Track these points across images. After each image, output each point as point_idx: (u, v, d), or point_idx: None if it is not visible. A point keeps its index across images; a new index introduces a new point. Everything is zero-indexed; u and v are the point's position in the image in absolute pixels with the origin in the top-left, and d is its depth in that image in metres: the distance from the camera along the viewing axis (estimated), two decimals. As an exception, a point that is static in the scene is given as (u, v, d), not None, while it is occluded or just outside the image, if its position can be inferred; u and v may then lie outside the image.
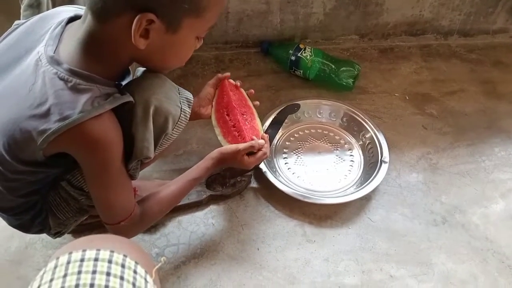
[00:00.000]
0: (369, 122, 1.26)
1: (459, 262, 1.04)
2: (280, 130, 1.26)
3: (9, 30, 0.78)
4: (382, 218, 1.12)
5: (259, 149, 1.00)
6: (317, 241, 1.07)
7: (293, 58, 1.41)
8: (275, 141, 1.25)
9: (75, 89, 0.65)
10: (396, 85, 1.47)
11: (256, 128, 1.05)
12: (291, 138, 1.28)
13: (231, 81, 1.07)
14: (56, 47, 0.68)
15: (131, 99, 0.71)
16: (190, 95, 0.84)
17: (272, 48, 1.50)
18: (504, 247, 1.07)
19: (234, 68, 1.50)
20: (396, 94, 1.43)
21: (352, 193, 1.12)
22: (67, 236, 1.04)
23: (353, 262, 1.04)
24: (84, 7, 0.76)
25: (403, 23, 1.55)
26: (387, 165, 1.16)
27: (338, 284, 1.00)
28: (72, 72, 0.65)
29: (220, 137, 1.04)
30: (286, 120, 1.27)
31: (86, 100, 0.65)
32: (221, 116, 1.04)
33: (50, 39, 0.69)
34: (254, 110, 1.08)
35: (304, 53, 1.40)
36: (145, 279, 0.47)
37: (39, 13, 0.87)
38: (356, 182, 1.18)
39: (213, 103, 1.06)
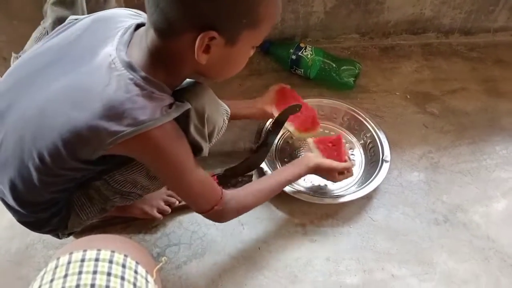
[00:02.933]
0: (370, 121, 1.26)
1: (461, 261, 1.04)
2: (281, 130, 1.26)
3: (65, 24, 0.80)
4: (383, 217, 1.12)
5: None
6: (318, 241, 1.07)
7: (293, 57, 1.41)
8: (276, 140, 1.25)
9: (150, 97, 0.68)
10: (397, 83, 1.46)
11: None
12: (292, 137, 1.28)
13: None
14: (126, 53, 0.70)
15: (190, 106, 0.74)
16: (228, 109, 0.91)
17: (273, 47, 1.49)
18: (506, 246, 1.06)
19: (234, 67, 1.50)
20: (397, 93, 1.43)
21: (353, 192, 1.11)
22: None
23: (355, 261, 1.03)
24: (139, 12, 0.82)
25: (404, 21, 1.55)
26: (388, 164, 1.15)
27: (339, 283, 1.00)
28: (147, 80, 0.68)
29: (311, 145, 1.12)
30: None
31: (157, 108, 0.68)
32: (296, 118, 1.13)
33: (120, 44, 0.71)
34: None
35: (305, 52, 1.40)
36: (146, 279, 0.47)
37: (72, 10, 0.91)
38: (357, 181, 1.17)
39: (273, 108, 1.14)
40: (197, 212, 0.86)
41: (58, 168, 0.72)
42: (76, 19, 0.80)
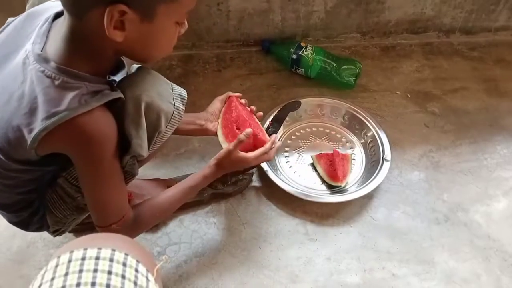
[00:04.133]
0: (370, 121, 1.26)
1: (462, 260, 1.04)
2: (281, 128, 1.26)
3: (2, 28, 0.78)
4: (384, 217, 1.12)
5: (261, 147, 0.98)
6: (319, 240, 1.07)
7: (294, 56, 1.40)
8: (276, 139, 1.25)
9: (62, 87, 0.64)
10: (398, 83, 1.46)
11: (266, 140, 1.02)
12: (293, 137, 1.28)
13: (239, 99, 1.06)
14: (44, 45, 0.68)
15: (120, 95, 0.70)
16: (183, 92, 0.82)
17: (274, 47, 1.49)
18: (507, 245, 1.06)
19: (235, 66, 1.50)
20: (397, 92, 1.43)
21: (354, 192, 1.11)
22: (68, 235, 1.04)
23: (355, 260, 1.03)
24: None
25: (404, 21, 1.55)
26: (389, 163, 1.15)
27: (340, 282, 1.00)
28: (59, 70, 0.65)
29: (219, 135, 1.03)
30: (287, 118, 1.27)
31: (73, 97, 0.64)
32: (230, 131, 1.01)
33: (37, 36, 0.69)
34: (260, 125, 1.08)
35: (306, 51, 1.39)
36: (147, 278, 0.47)
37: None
38: (358, 181, 1.17)
39: (220, 120, 1.04)
40: (94, 223, 0.80)
41: (6, 171, 0.72)
42: (12, 21, 0.78)
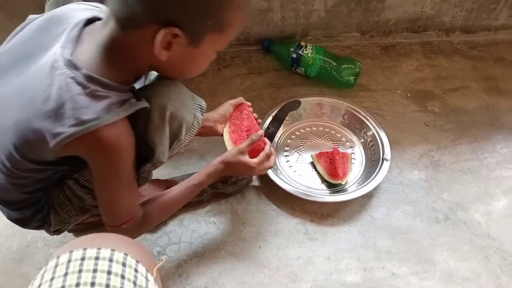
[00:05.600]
0: (370, 120, 1.26)
1: (461, 259, 1.04)
2: (281, 128, 1.26)
3: (23, 24, 0.78)
4: (384, 216, 1.12)
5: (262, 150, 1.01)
6: (319, 239, 1.07)
7: (294, 55, 1.40)
8: (276, 138, 1.25)
9: (93, 96, 0.65)
10: (398, 82, 1.46)
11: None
12: (293, 136, 1.28)
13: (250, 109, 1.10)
14: (73, 50, 0.68)
15: (146, 105, 0.72)
16: (203, 102, 0.85)
17: (273, 46, 1.49)
18: (507, 245, 1.06)
19: (235, 65, 1.50)
20: (397, 92, 1.43)
21: (353, 191, 1.11)
22: (68, 234, 1.04)
23: (355, 260, 1.03)
24: (97, 5, 0.78)
25: (404, 19, 1.55)
26: (388, 162, 1.15)
27: (340, 282, 1.00)
28: (90, 78, 0.65)
29: (226, 136, 1.05)
30: (287, 118, 1.27)
31: (104, 107, 0.65)
32: (240, 137, 1.04)
33: (67, 41, 0.68)
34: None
35: (305, 50, 1.39)
36: (146, 278, 0.47)
37: None
38: (357, 180, 1.17)
39: (228, 123, 1.07)
40: (104, 222, 0.81)
41: (19, 170, 0.72)
42: (34, 18, 0.78)
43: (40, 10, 1.18)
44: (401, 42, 1.60)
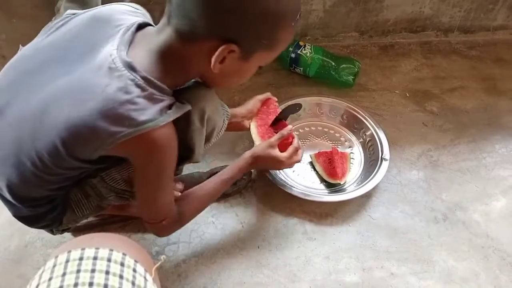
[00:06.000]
0: (369, 120, 1.26)
1: (460, 259, 1.04)
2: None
3: (63, 18, 0.78)
4: (382, 216, 1.12)
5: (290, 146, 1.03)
6: (317, 239, 1.07)
7: (293, 55, 1.40)
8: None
9: (150, 99, 0.67)
10: (397, 82, 1.46)
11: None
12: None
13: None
14: (127, 53, 0.70)
15: (190, 108, 0.74)
16: (228, 110, 0.92)
17: (272, 46, 1.49)
18: (505, 244, 1.06)
19: (233, 65, 1.50)
20: (396, 91, 1.43)
21: (352, 191, 1.11)
22: (66, 234, 1.04)
23: (354, 259, 1.03)
24: (137, 7, 0.81)
25: (403, 19, 1.55)
26: (387, 162, 1.15)
27: (338, 281, 1.00)
28: (148, 81, 0.68)
29: (253, 130, 1.10)
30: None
31: (159, 109, 0.68)
32: (268, 131, 1.09)
33: (121, 43, 0.70)
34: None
35: (304, 50, 1.39)
36: (145, 278, 0.47)
37: (83, 7, 0.89)
38: (356, 180, 1.17)
39: (255, 118, 1.11)
40: (144, 220, 0.85)
41: (57, 167, 0.72)
42: (74, 14, 0.79)
43: (37, 9, 1.18)
44: (399, 42, 1.60)
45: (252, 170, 1.17)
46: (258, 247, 1.05)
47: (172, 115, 0.70)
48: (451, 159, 1.24)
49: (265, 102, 1.12)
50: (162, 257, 0.57)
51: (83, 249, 0.45)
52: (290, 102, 1.26)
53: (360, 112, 1.28)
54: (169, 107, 0.71)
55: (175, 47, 0.69)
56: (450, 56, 1.56)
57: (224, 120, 0.88)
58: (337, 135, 1.29)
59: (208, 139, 0.83)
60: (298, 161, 1.05)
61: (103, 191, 0.85)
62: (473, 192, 1.17)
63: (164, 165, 0.75)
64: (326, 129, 1.30)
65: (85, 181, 0.83)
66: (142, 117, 0.66)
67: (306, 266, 1.02)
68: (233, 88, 1.40)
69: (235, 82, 0.81)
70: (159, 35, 0.70)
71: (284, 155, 1.01)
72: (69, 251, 0.45)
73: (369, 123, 1.25)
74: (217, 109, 0.84)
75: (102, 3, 0.93)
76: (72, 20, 0.77)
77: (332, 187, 1.15)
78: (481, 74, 1.50)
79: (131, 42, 0.72)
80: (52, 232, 0.93)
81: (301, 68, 1.41)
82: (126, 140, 0.66)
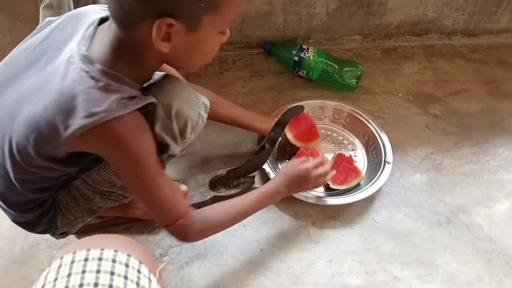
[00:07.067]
0: (372, 123, 1.26)
1: (464, 262, 1.04)
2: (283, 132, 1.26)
3: (40, 26, 0.80)
4: (386, 219, 1.12)
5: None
6: (320, 242, 1.07)
7: (296, 58, 1.41)
8: (278, 142, 1.25)
9: (105, 89, 0.66)
10: (400, 85, 1.46)
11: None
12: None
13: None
14: (88, 47, 0.70)
15: (154, 100, 0.72)
16: (207, 101, 0.86)
17: (275, 49, 1.50)
18: (509, 248, 1.06)
19: (237, 68, 1.50)
20: (399, 95, 1.43)
21: (355, 194, 1.11)
22: (70, 236, 1.04)
23: (357, 263, 1.03)
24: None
25: (406, 23, 1.55)
26: (390, 165, 1.15)
27: (342, 285, 1.00)
28: (103, 72, 0.67)
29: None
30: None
31: (114, 99, 0.66)
32: (302, 132, 1.21)
33: (82, 39, 0.71)
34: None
35: (307, 53, 1.40)
36: (149, 279, 0.47)
37: (59, 13, 0.89)
38: (359, 183, 1.17)
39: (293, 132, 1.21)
40: (160, 225, 0.81)
41: (29, 166, 0.73)
42: (50, 21, 0.80)
43: (43, 13, 1.18)
44: (402, 45, 1.60)
45: (255, 174, 1.17)
46: (261, 250, 1.05)
47: (131, 106, 0.68)
48: (454, 162, 1.24)
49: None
50: (166, 258, 0.58)
51: (88, 250, 0.45)
52: (292, 105, 1.26)
53: (363, 115, 1.28)
54: (131, 98, 0.69)
55: (121, 36, 0.68)
56: (453, 59, 1.56)
57: (200, 113, 0.83)
58: (340, 138, 1.29)
59: (182, 134, 0.80)
60: (327, 172, 1.04)
61: (88, 193, 0.84)
62: (477, 195, 1.17)
63: (137, 157, 0.72)
64: (329, 132, 1.30)
65: (71, 184, 0.83)
66: (96, 108, 0.65)
67: (309, 269, 1.02)
68: (236, 91, 1.41)
69: (202, 56, 0.76)
70: (110, 27, 0.69)
71: (311, 165, 1.00)
72: (74, 252, 0.45)
73: (372, 126, 1.25)
74: (189, 103, 0.80)
75: (76, 7, 0.93)
76: (47, 26, 0.79)
77: (333, 190, 1.15)
78: (484, 77, 1.50)
79: (93, 37, 0.72)
80: (55, 236, 0.94)
81: (304, 71, 1.42)
82: (84, 133, 0.65)
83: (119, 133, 0.68)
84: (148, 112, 0.72)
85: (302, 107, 1.19)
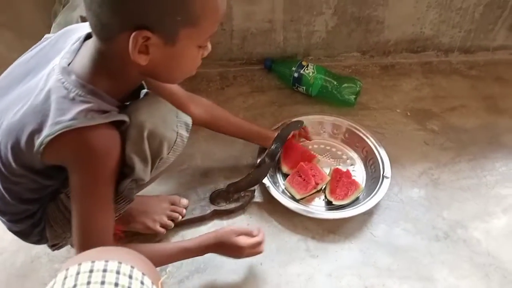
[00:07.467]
0: (371, 138, 1.28)
1: (461, 277, 1.04)
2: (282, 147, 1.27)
3: (40, 42, 0.83)
4: (384, 233, 1.12)
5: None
6: (320, 256, 1.08)
7: (296, 74, 1.43)
8: (278, 156, 1.26)
9: (74, 100, 0.67)
10: (398, 101, 1.48)
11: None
12: (294, 154, 1.29)
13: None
14: (72, 61, 0.72)
15: (125, 118, 0.73)
16: (189, 119, 0.84)
17: (276, 65, 1.52)
18: (506, 262, 1.07)
19: (238, 84, 1.53)
20: (397, 110, 1.45)
21: (354, 208, 1.12)
22: (72, 250, 1.04)
23: (356, 277, 1.04)
24: None
25: (403, 40, 1.58)
26: (389, 180, 1.17)
27: (341, 299, 1.00)
28: (77, 84, 0.69)
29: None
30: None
31: (80, 110, 0.67)
32: (295, 161, 1.22)
33: (67, 52, 0.73)
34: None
35: (307, 70, 1.42)
36: (152, 290, 0.48)
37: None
38: (358, 197, 1.18)
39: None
40: (74, 245, 0.76)
41: (11, 175, 0.75)
42: (46, 38, 0.83)
43: (48, 29, 1.21)
44: (400, 62, 1.63)
45: (255, 187, 1.18)
46: (261, 264, 1.06)
47: (99, 119, 0.68)
48: (452, 177, 1.25)
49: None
50: (167, 270, 0.59)
51: (93, 261, 0.47)
52: (292, 120, 1.28)
53: (362, 130, 1.30)
54: (103, 112, 0.69)
55: (101, 49, 0.69)
56: (451, 76, 1.59)
57: (179, 132, 0.80)
58: (339, 153, 1.31)
59: (158, 154, 0.78)
60: (259, 253, 0.97)
61: (70, 207, 0.81)
62: (474, 210, 1.18)
63: (94, 173, 0.71)
64: (328, 147, 1.32)
65: (57, 197, 0.84)
66: (61, 117, 0.66)
67: (309, 283, 1.03)
68: (237, 107, 1.43)
69: (181, 70, 0.76)
70: (93, 41, 0.71)
71: (246, 243, 0.93)
72: (80, 264, 0.47)
73: (371, 141, 1.27)
74: (165, 122, 0.78)
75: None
76: (42, 43, 0.81)
77: (332, 204, 1.16)
78: (481, 94, 1.52)
79: (78, 51, 0.73)
80: (50, 248, 0.94)
81: (304, 87, 1.44)
82: (51, 142, 0.66)
83: (82, 143, 0.67)
84: (122, 131, 0.73)
85: (301, 122, 1.21)
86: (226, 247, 0.94)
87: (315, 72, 1.41)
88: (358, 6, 1.44)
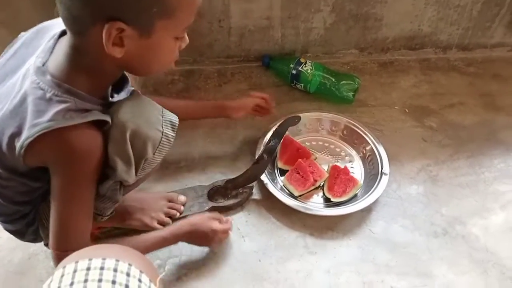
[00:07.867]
0: (369, 135, 1.28)
1: (460, 273, 1.04)
2: (281, 142, 1.27)
3: (13, 41, 0.81)
4: (383, 230, 1.13)
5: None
6: (318, 253, 1.08)
7: (294, 72, 1.43)
8: (276, 153, 1.26)
9: (51, 100, 0.66)
10: (396, 98, 1.48)
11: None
12: (292, 151, 1.29)
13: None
14: (47, 59, 0.70)
15: (107, 118, 0.71)
16: (175, 118, 0.82)
17: (274, 62, 1.52)
18: (505, 259, 1.07)
19: (236, 81, 1.52)
20: (396, 107, 1.45)
21: (352, 205, 1.12)
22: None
23: (354, 273, 1.04)
24: None
25: (402, 37, 1.58)
26: (387, 177, 1.17)
27: (339, 295, 1.00)
28: (53, 83, 0.67)
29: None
30: (287, 133, 1.28)
31: (58, 111, 0.65)
32: (291, 155, 1.22)
33: (42, 51, 0.72)
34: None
35: (305, 67, 1.42)
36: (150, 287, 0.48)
37: None
38: (356, 194, 1.18)
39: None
40: (50, 245, 0.76)
41: (1, 179, 0.75)
42: (21, 36, 0.81)
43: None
44: (398, 59, 1.63)
45: (253, 184, 1.18)
46: (259, 261, 1.06)
47: (78, 119, 0.66)
48: (450, 174, 1.26)
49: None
50: (166, 267, 0.59)
51: (90, 259, 0.46)
52: (289, 116, 1.28)
53: (360, 127, 1.30)
54: (81, 111, 0.68)
55: (75, 44, 0.67)
56: (449, 73, 1.59)
57: (163, 132, 0.78)
58: (338, 150, 1.30)
59: (143, 155, 0.76)
60: (225, 238, 1.05)
61: None
62: (473, 206, 1.18)
63: (74, 173, 0.70)
64: (326, 144, 1.32)
65: (48, 197, 0.81)
66: (39, 119, 0.65)
67: (307, 280, 1.03)
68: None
69: (158, 62, 0.74)
70: (67, 38, 0.69)
71: (219, 228, 0.99)
72: (77, 261, 0.46)
73: (369, 138, 1.27)
74: (149, 121, 0.76)
75: None
76: (17, 42, 0.80)
77: (330, 201, 1.16)
78: (479, 90, 1.52)
79: (53, 49, 0.72)
80: (47, 246, 0.93)
81: (302, 84, 1.44)
82: (31, 143, 0.65)
83: (62, 144, 0.66)
84: (105, 132, 0.72)
85: (299, 118, 1.21)
86: (200, 233, 0.97)
87: (313, 69, 1.41)
88: (356, 3, 1.44)
